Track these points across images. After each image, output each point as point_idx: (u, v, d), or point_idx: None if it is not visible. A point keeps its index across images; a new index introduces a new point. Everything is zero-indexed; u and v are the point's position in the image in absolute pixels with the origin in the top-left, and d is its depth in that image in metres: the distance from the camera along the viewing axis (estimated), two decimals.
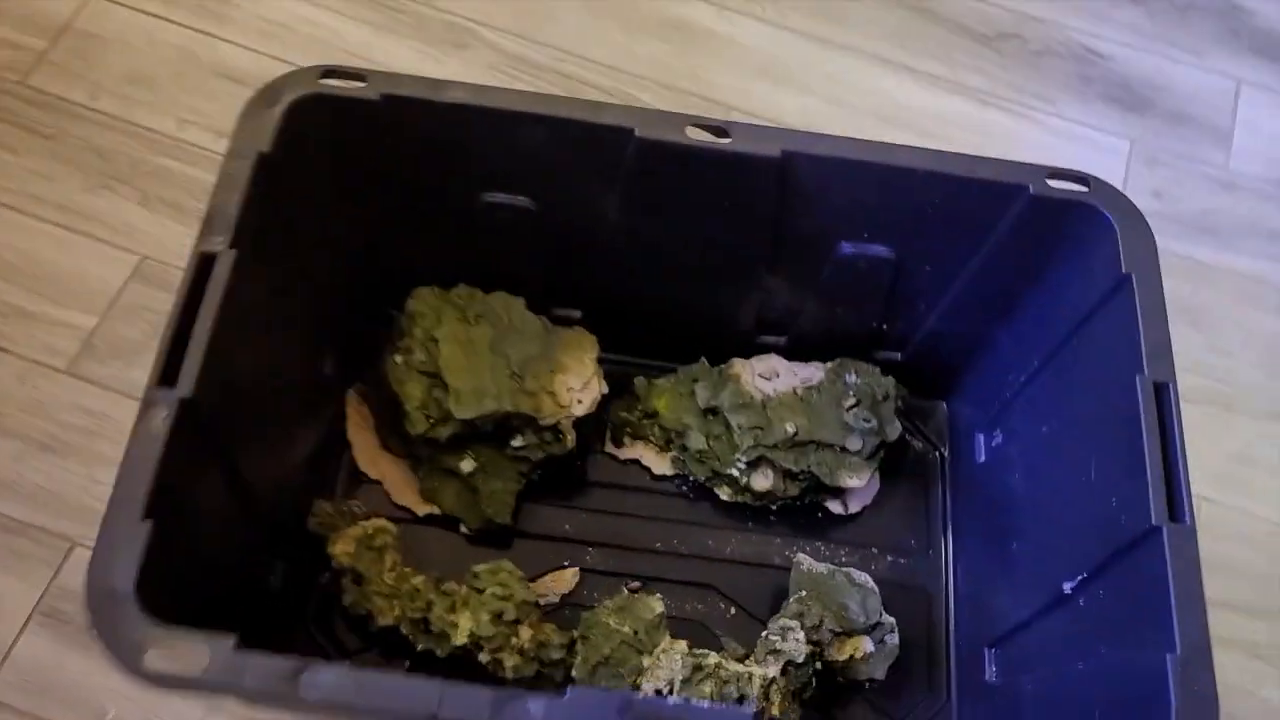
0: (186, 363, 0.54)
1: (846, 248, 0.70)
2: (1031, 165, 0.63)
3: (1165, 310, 0.59)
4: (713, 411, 0.77)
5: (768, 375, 0.77)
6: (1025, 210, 0.63)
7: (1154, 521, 0.54)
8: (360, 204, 0.71)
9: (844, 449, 0.74)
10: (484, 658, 0.66)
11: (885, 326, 0.77)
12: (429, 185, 0.69)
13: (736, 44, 1.04)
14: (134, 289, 0.86)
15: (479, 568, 0.68)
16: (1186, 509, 0.54)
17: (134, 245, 0.88)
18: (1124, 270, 0.60)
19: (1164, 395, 0.57)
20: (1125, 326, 0.60)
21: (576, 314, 0.80)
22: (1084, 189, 0.63)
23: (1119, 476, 0.58)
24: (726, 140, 0.62)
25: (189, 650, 0.48)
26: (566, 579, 0.75)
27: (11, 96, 0.93)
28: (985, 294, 0.71)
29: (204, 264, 0.56)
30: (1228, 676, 0.56)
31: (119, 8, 0.99)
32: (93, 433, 0.79)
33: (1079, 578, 0.60)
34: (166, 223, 0.89)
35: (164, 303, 0.84)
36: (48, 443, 0.79)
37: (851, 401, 0.75)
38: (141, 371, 0.80)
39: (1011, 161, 0.63)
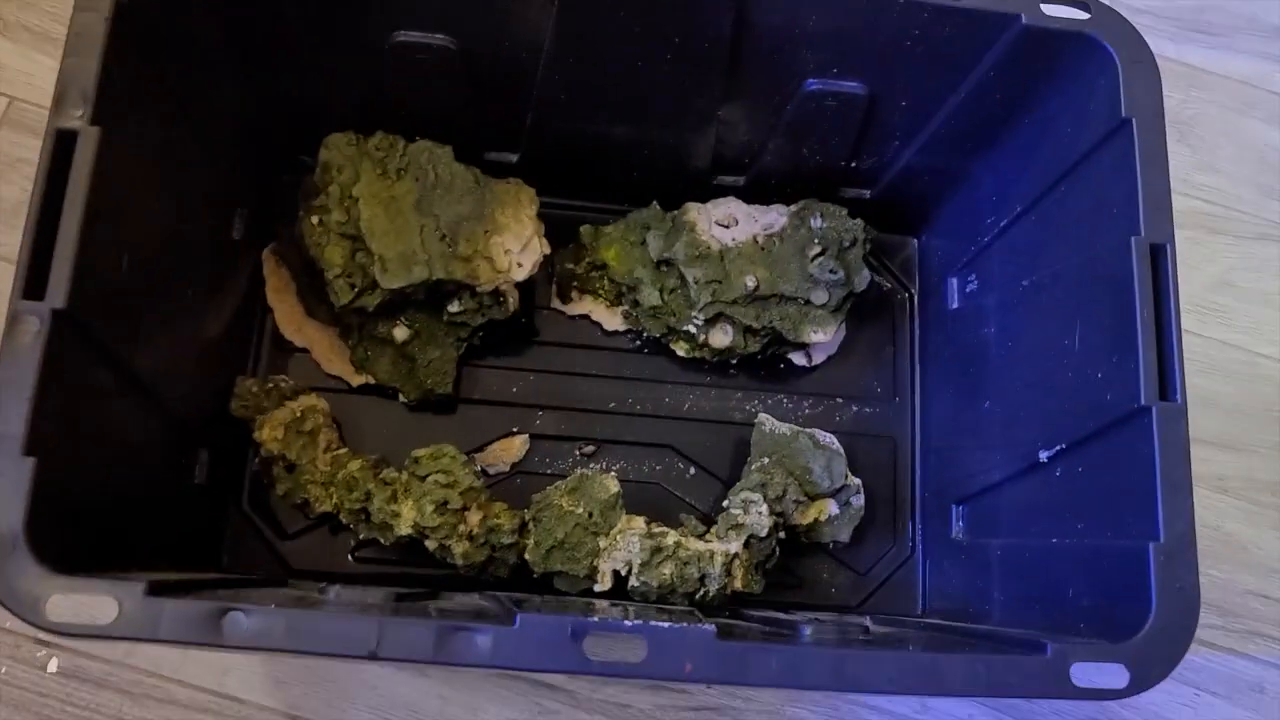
0: (55, 267, 0.46)
1: (813, 84, 0.61)
2: None
3: (1167, 160, 0.53)
4: (666, 263, 0.71)
5: (725, 223, 0.70)
6: (1016, 41, 0.55)
7: (1143, 401, 0.50)
8: (252, 51, 0.61)
9: (808, 302, 0.69)
10: (431, 545, 0.62)
11: (854, 164, 0.70)
12: (328, 26, 0.60)
13: None
14: (4, 136, 0.76)
15: (419, 452, 0.63)
16: (1178, 387, 0.50)
17: None
18: (1124, 113, 0.53)
19: (1161, 259, 0.51)
20: (1121, 177, 0.54)
21: (512, 158, 0.72)
22: (1083, 14, 0.55)
23: (1106, 346, 0.53)
24: None
25: (95, 600, 0.43)
26: (515, 447, 0.71)
27: None
28: (967, 129, 0.64)
29: (62, 144, 0.48)
30: None
31: None
32: None
33: (1056, 448, 0.57)
34: (33, 55, 0.78)
35: (36, 150, 0.75)
36: None
37: (817, 250, 0.69)
38: (18, 234, 0.73)
39: None
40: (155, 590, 0.44)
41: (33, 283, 0.46)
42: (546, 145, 0.70)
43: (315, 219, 0.67)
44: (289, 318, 0.72)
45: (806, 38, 0.58)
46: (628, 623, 0.45)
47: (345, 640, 0.44)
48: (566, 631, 0.45)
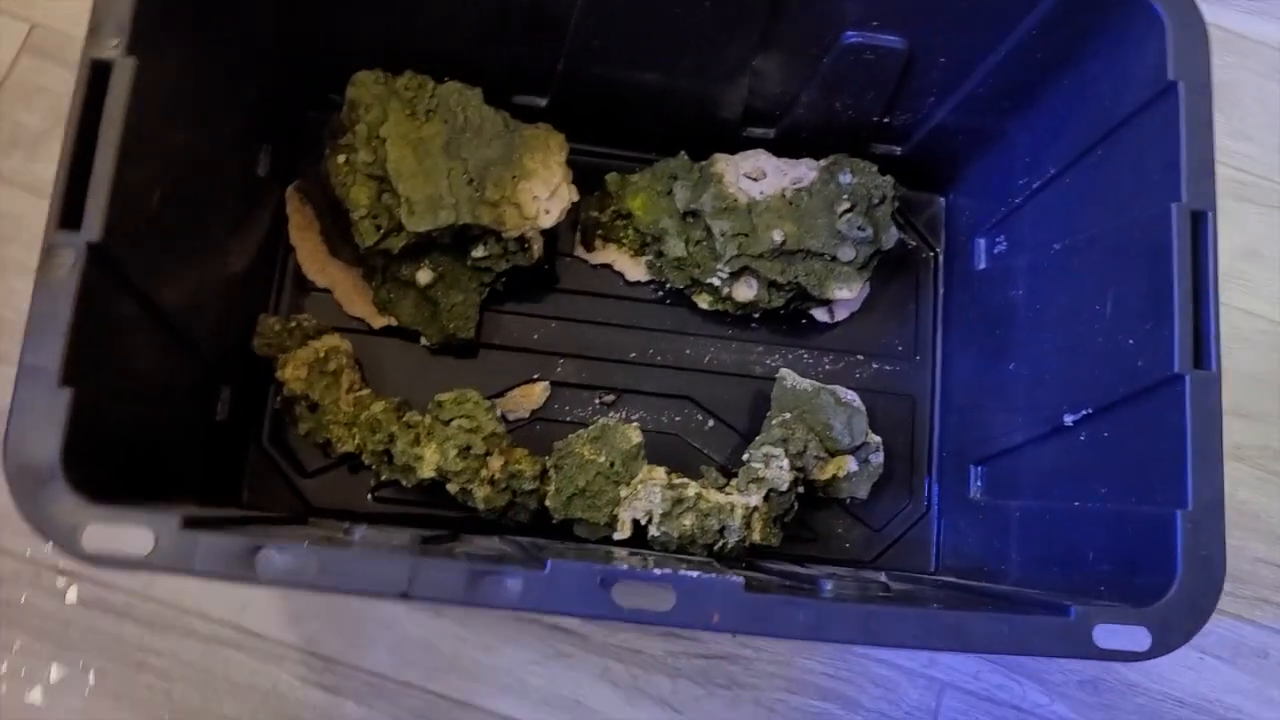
0: (91, 199, 0.46)
1: (852, 36, 0.61)
2: None
3: (1212, 126, 0.52)
4: (693, 214, 0.70)
5: (754, 175, 0.70)
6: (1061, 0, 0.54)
7: (1177, 368, 0.50)
8: None
9: (835, 259, 0.69)
10: (452, 488, 0.62)
11: (887, 120, 0.69)
12: None
13: None
14: (27, 64, 0.75)
15: (442, 397, 0.63)
16: (1214, 355, 0.50)
17: (19, 9, 0.76)
18: (1170, 76, 0.53)
19: (1202, 226, 0.51)
20: (1164, 141, 0.53)
21: (541, 102, 0.71)
22: None
23: (1140, 312, 0.53)
24: None
25: (131, 531, 0.44)
26: (536, 394, 0.71)
27: None
28: (1004, 87, 0.63)
29: (98, 75, 0.47)
30: None
31: None
32: (2, 236, 0.71)
33: (1083, 412, 0.57)
34: None
35: (63, 81, 0.74)
36: None
37: (845, 206, 0.69)
38: (47, 165, 0.72)
39: None
40: (190, 524, 0.44)
41: (68, 214, 0.46)
42: (576, 91, 0.69)
43: (342, 158, 0.66)
44: (312, 257, 0.72)
45: None
46: (656, 571, 0.45)
47: (378, 579, 0.44)
48: (596, 579, 0.45)
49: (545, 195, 0.66)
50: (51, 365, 0.44)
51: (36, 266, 0.45)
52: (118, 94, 0.47)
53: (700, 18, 0.61)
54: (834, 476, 0.67)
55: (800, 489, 0.65)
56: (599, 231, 0.74)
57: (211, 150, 0.60)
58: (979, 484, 0.68)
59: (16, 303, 0.70)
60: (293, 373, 0.64)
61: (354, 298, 0.71)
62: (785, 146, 0.72)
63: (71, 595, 0.66)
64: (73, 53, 0.75)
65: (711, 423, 0.73)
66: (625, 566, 0.46)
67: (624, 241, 0.73)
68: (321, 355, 0.65)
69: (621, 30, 0.63)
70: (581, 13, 0.62)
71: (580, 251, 0.74)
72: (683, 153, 0.72)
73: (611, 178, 0.73)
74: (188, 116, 0.55)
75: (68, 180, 0.46)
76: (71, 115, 0.47)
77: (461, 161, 0.65)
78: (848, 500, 0.69)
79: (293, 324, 0.67)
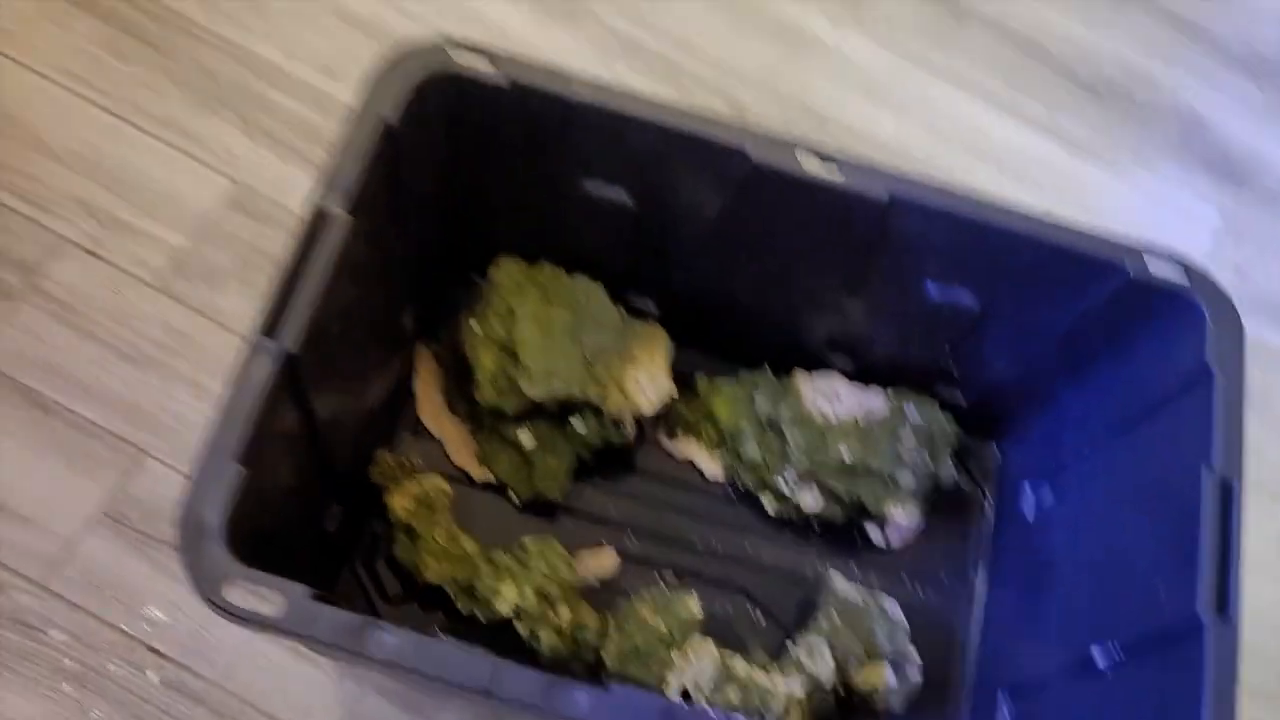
0: (292, 317, 0.56)
1: (933, 290, 0.71)
2: (1130, 246, 0.64)
3: (1243, 408, 0.60)
4: (770, 423, 0.78)
5: (829, 396, 0.78)
6: (1119, 288, 0.64)
7: (1199, 613, 0.55)
8: (464, 173, 0.72)
9: (895, 482, 0.76)
10: (522, 629, 0.68)
11: (953, 367, 0.78)
12: (534, 166, 0.71)
13: (843, 57, 1.03)
14: (225, 214, 0.88)
15: (528, 540, 0.70)
16: (1233, 604, 0.55)
17: (230, 170, 0.90)
18: (1209, 365, 0.61)
19: (1229, 493, 0.58)
20: (1200, 419, 0.61)
21: (650, 305, 0.82)
22: (1183, 280, 0.63)
23: (1169, 561, 0.59)
24: (836, 175, 0.63)
25: (267, 593, 0.50)
26: (606, 563, 0.78)
27: (128, 4, 0.95)
28: (1061, 355, 0.72)
29: (319, 222, 0.58)
30: None
31: None
32: (173, 350, 0.82)
33: (1109, 648, 0.62)
34: (264, 152, 0.91)
35: (252, 232, 0.87)
36: (129, 352, 0.81)
37: (909, 438, 0.76)
38: (224, 297, 0.84)
39: (1113, 241, 0.64)
40: (317, 597, 0.51)
41: (271, 325, 0.56)
42: (683, 301, 0.80)
43: (476, 325, 0.76)
44: (430, 409, 0.81)
45: (934, 250, 0.67)
46: (713, 712, 0.51)
47: (466, 671, 0.50)
48: (657, 708, 0.50)
49: (648, 385, 0.75)
50: (233, 444, 0.53)
51: (238, 367, 0.55)
52: (332, 239, 0.58)
53: (805, 258, 0.72)
54: (873, 688, 0.71)
55: (840, 691, 0.70)
56: (683, 425, 0.82)
57: (376, 301, 0.70)
58: (1005, 708, 0.72)
59: (174, 408, 0.80)
60: (400, 502, 0.72)
61: (460, 450, 0.80)
62: (859, 375, 0.81)
63: (155, 675, 0.72)
64: (265, 209, 0.89)
65: (760, 615, 0.78)
66: (684, 705, 0.51)
67: (704, 438, 0.82)
68: (427, 491, 0.73)
69: (735, 258, 0.74)
70: (703, 238, 0.73)
71: (664, 440, 0.82)
72: (766, 366, 0.81)
73: (701, 380, 0.82)
74: (367, 271, 0.66)
75: (277, 297, 0.56)
76: (292, 248, 0.57)
77: (579, 343, 0.74)
78: (883, 715, 0.73)
79: (405, 461, 0.75)
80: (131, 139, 0.90)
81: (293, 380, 0.57)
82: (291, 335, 0.56)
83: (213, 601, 0.50)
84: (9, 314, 0.82)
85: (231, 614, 0.50)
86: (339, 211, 0.59)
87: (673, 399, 0.77)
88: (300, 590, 0.51)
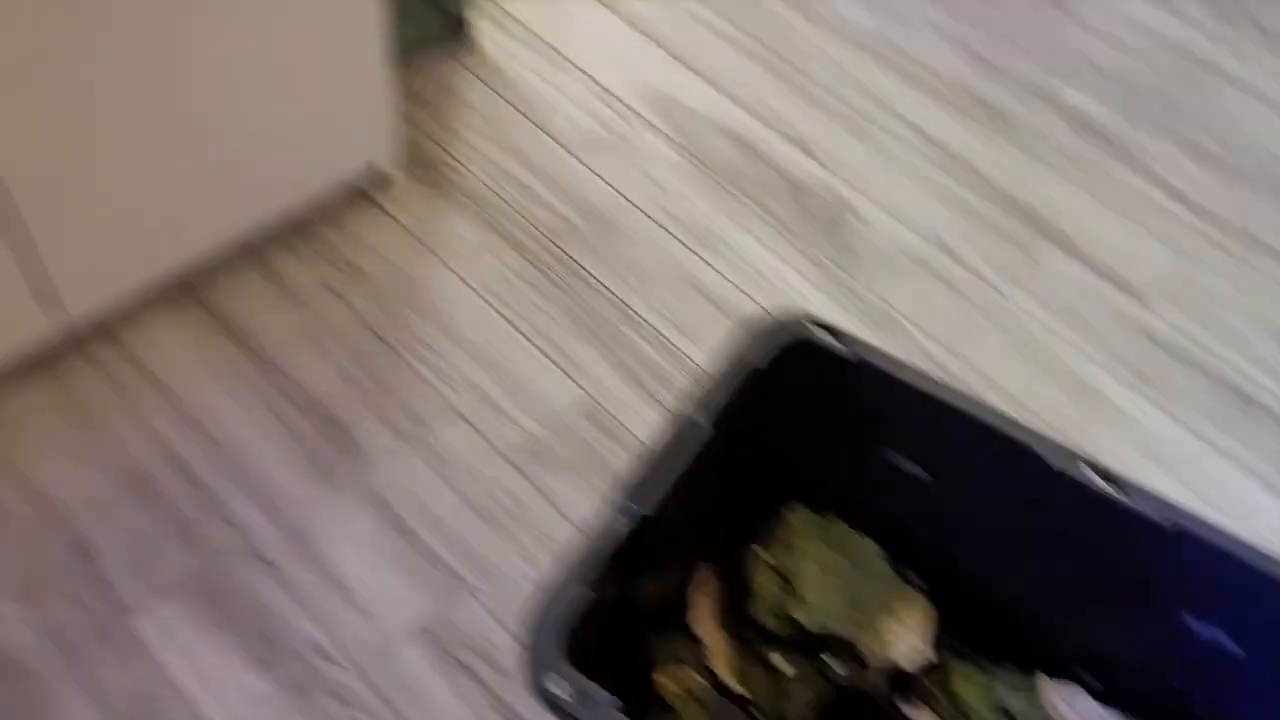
0: (653, 487, 0.71)
1: (1193, 624, 0.76)
2: None
3: None
4: (1008, 712, 0.84)
5: (1073, 707, 0.83)
6: None
7: None
8: (789, 423, 0.88)
9: None
10: None
11: (1211, 713, 0.81)
12: (851, 429, 0.85)
13: (1130, 418, 1.14)
14: (576, 418, 1.08)
15: None
16: None
17: (589, 386, 1.10)
18: None
19: None
20: None
21: (919, 580, 0.91)
22: None
23: None
24: (1120, 494, 0.73)
25: (581, 692, 0.62)
26: None
27: (545, 251, 1.21)
28: None
29: (690, 427, 0.74)
30: None
31: (640, 214, 1.27)
32: (515, 517, 0.99)
33: None
34: (619, 381, 1.11)
35: (594, 438, 1.06)
36: (478, 508, 1.00)
37: None
38: (561, 484, 1.02)
39: None
40: (621, 709, 0.62)
41: (635, 493, 0.71)
42: (947, 577, 0.89)
43: (764, 555, 0.89)
44: (702, 616, 0.93)
45: (1202, 586, 0.74)
46: None
47: None
48: None
49: (905, 641, 0.84)
50: (591, 575, 0.67)
51: (605, 518, 0.70)
52: (693, 443, 0.74)
53: (1070, 571, 0.80)
54: None
55: None
56: (919, 693, 0.89)
57: (703, 509, 0.85)
58: None
59: (503, 564, 0.96)
60: (666, 680, 0.83)
61: (720, 659, 0.90)
62: (1100, 695, 0.85)
63: None
64: (606, 422, 1.07)
65: None
66: None
67: (940, 711, 0.88)
68: (693, 688, 0.83)
69: (1004, 555, 0.84)
70: (979, 531, 0.83)
71: (900, 703, 0.89)
72: (1008, 663, 0.88)
73: (952, 663, 0.89)
74: (704, 480, 0.81)
75: (645, 471, 0.72)
76: (668, 438, 0.73)
77: (851, 587, 0.85)
78: None
79: (678, 648, 0.86)
80: (519, 344, 1.13)
81: (635, 541, 0.72)
82: (647, 502, 0.71)
83: (534, 688, 0.62)
84: (399, 451, 1.03)
85: (544, 699, 0.62)
86: (704, 423, 0.75)
87: (929, 662, 0.84)
88: (610, 700, 0.62)
